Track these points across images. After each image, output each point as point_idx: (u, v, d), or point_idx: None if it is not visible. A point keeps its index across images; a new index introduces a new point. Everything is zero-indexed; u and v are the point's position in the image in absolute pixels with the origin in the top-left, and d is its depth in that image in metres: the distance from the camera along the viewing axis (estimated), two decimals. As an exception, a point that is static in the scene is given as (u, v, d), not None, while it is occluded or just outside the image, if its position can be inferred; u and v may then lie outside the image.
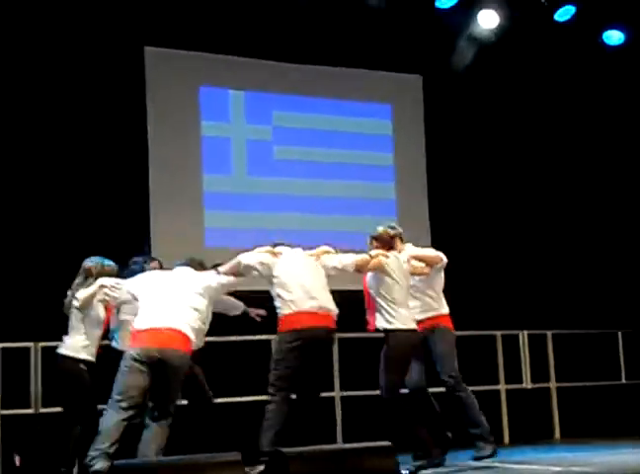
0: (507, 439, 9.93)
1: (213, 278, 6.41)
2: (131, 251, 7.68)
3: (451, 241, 10.65)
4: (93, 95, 9.28)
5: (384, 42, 10.67)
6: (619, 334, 10.91)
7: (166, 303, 6.10)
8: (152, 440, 5.88)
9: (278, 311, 6.55)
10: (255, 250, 6.69)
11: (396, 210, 10.72)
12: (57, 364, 6.74)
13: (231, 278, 6.48)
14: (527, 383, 10.32)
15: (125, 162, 9.36)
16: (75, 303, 6.67)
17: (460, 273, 10.50)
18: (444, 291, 7.41)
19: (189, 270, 6.44)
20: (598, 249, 11.44)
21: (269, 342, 8.70)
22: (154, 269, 6.88)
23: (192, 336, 6.08)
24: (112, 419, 5.81)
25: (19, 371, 8.12)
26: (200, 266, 6.58)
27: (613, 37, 11.38)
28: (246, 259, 6.55)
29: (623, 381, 10.85)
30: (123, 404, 5.83)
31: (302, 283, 6.53)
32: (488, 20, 10.78)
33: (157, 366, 5.89)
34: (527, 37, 11.08)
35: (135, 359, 5.88)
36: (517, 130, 11.31)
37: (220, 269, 6.52)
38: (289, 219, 10.09)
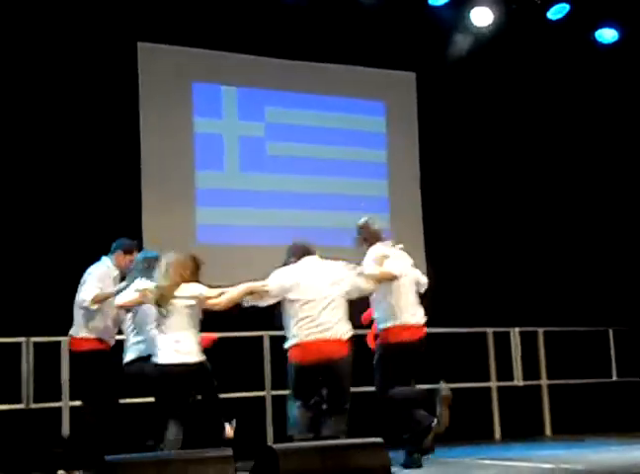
0: (498, 436, 9.95)
1: (354, 281, 6.45)
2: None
3: (444, 238, 10.70)
4: (85, 90, 9.24)
5: (378, 39, 10.66)
6: (610, 331, 10.95)
7: (324, 309, 6.22)
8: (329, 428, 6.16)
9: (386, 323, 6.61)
10: (369, 258, 6.69)
11: (389, 207, 10.72)
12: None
13: (370, 285, 6.55)
14: (519, 380, 10.34)
15: (117, 158, 9.33)
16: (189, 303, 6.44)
17: (452, 270, 10.56)
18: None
19: (326, 262, 6.47)
20: (589, 247, 11.46)
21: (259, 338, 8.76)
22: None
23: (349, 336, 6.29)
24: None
25: (10, 367, 8.12)
26: (311, 250, 6.57)
27: (607, 35, 11.40)
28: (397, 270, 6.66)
29: (614, 379, 10.88)
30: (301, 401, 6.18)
31: (410, 296, 6.79)
32: (481, 17, 10.79)
33: (326, 374, 6.15)
34: (521, 34, 11.09)
35: (303, 371, 6.14)
36: (510, 127, 11.31)
37: (369, 271, 6.54)
38: (282, 216, 10.08)
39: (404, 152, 10.95)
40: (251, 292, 6.40)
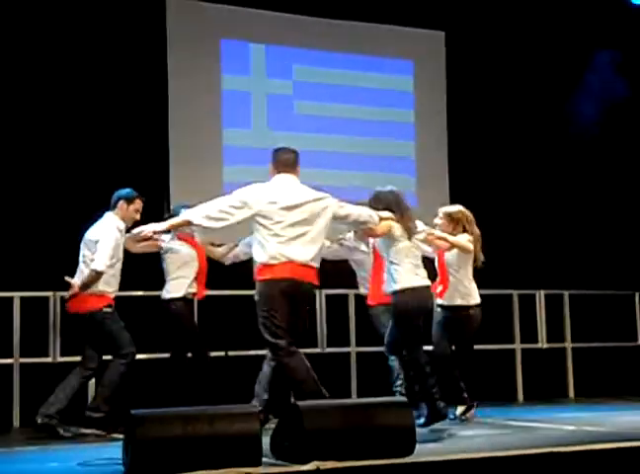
0: (521, 398, 9.97)
1: None
2: (151, 206, 7.70)
3: (470, 199, 10.60)
4: (113, 47, 9.22)
5: (407, -2, 10.57)
6: (636, 295, 10.91)
7: None
8: None
9: None
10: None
11: (415, 168, 10.68)
12: None
13: None
14: (543, 343, 10.34)
15: (145, 115, 9.34)
16: None
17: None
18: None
19: None
20: (618, 209, 11.35)
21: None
22: None
23: None
24: None
25: (38, 321, 8.19)
26: None
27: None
28: None
29: (639, 343, 10.86)
30: None
31: None
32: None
33: None
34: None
35: None
36: (540, 89, 11.17)
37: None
38: (309, 175, 9.97)
39: (432, 112, 10.87)
40: None
